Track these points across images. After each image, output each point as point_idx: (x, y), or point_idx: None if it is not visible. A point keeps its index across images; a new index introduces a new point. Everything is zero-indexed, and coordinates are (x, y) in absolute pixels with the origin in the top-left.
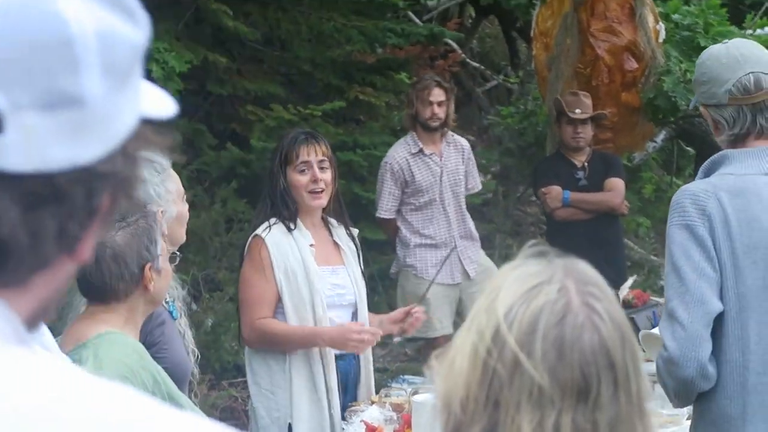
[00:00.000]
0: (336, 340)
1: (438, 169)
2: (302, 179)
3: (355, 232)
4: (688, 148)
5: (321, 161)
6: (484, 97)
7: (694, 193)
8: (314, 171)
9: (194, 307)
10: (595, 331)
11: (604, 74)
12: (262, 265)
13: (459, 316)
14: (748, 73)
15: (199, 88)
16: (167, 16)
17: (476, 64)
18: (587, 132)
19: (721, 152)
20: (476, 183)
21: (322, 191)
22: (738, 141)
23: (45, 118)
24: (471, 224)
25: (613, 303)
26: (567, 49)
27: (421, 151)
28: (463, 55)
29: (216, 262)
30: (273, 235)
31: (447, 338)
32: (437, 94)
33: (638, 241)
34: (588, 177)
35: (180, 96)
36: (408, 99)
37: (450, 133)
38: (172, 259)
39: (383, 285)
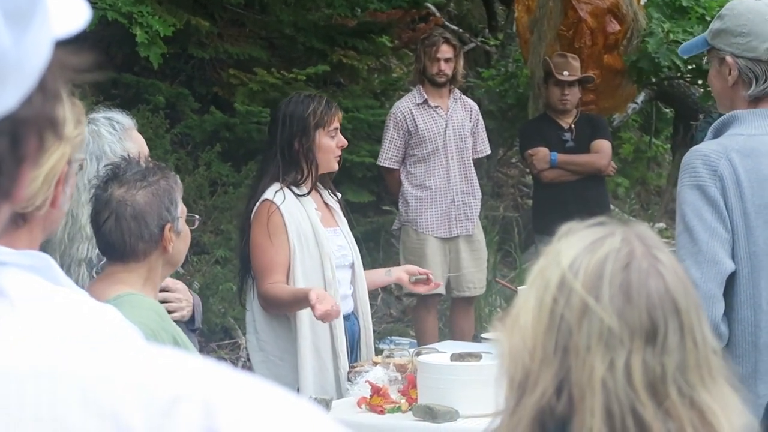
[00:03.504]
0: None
1: (442, 122)
2: (331, 143)
3: (338, 196)
4: (667, 110)
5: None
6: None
7: (704, 154)
8: (340, 136)
9: (181, 270)
10: (660, 278)
11: (587, 36)
12: (274, 230)
13: (452, 276)
14: None
15: (180, 52)
16: None
17: (455, 27)
18: (574, 94)
19: (730, 113)
20: (485, 147)
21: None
22: (759, 100)
23: None
24: (476, 182)
25: (673, 257)
26: (550, 12)
27: (426, 102)
28: (442, 19)
29: (201, 225)
30: (284, 199)
31: (440, 298)
32: (445, 51)
33: (618, 203)
34: (575, 139)
35: (162, 59)
36: (416, 54)
37: (458, 91)
38: (190, 222)
39: (367, 247)
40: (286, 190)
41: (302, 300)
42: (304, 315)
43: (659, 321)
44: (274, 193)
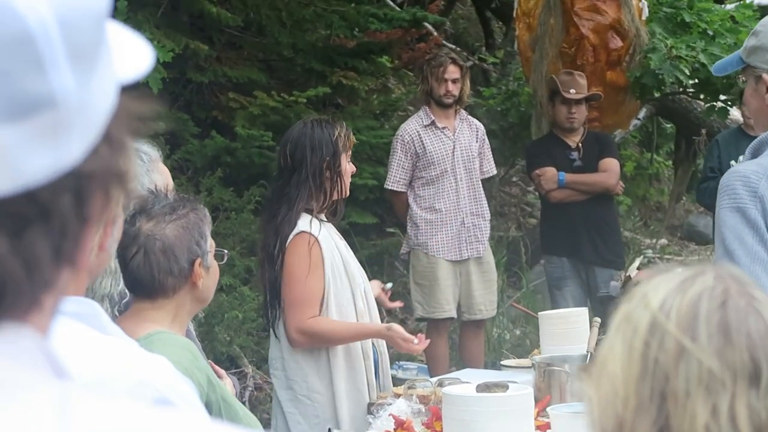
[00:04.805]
0: (383, 337)
1: (450, 143)
2: (349, 169)
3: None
4: (667, 126)
5: None
6: None
7: (744, 175)
8: (351, 162)
9: None
10: (759, 316)
11: (589, 53)
12: (315, 263)
13: (462, 299)
14: None
15: (179, 76)
16: (145, 4)
17: (452, 46)
18: (582, 112)
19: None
20: (491, 167)
21: None
22: None
23: (15, 130)
24: (484, 203)
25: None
26: (551, 29)
27: (433, 123)
28: (440, 38)
29: None
30: (320, 230)
31: (451, 322)
32: (452, 71)
33: (620, 220)
34: (582, 158)
35: (162, 85)
36: (422, 75)
37: (464, 112)
38: (219, 257)
39: (371, 270)
40: (315, 220)
41: (371, 334)
42: (340, 351)
43: (762, 362)
44: (309, 223)
